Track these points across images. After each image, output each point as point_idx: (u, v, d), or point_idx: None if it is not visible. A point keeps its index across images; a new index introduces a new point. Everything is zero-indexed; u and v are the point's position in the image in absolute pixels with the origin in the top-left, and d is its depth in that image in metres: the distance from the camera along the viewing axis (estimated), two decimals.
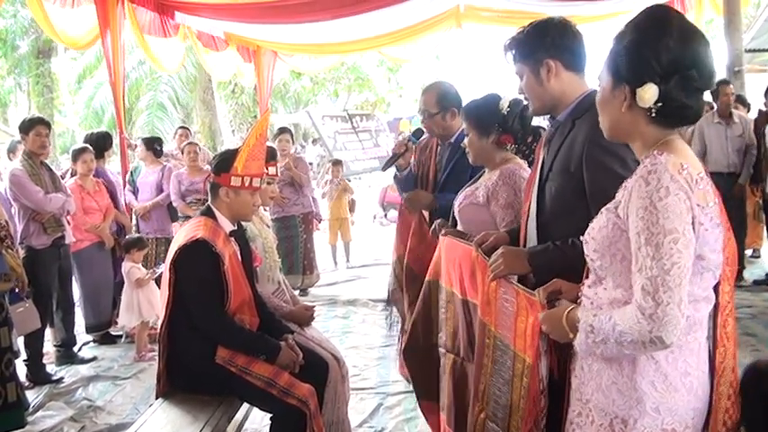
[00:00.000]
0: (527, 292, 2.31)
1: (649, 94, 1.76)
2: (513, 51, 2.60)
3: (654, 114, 1.79)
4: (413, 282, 3.90)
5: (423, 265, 3.71)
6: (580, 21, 9.68)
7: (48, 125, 5.73)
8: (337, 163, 10.92)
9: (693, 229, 1.70)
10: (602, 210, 1.89)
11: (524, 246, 2.67)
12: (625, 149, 2.19)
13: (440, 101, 4.09)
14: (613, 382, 1.84)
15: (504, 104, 3.21)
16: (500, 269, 2.49)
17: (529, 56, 2.55)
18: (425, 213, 4.09)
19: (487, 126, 3.24)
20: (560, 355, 2.16)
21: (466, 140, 3.37)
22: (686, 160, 1.75)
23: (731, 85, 7.42)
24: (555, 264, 2.30)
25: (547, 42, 2.51)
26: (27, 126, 5.56)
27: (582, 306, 1.94)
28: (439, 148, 4.27)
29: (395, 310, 4.44)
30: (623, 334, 1.70)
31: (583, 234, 1.96)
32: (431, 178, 4.24)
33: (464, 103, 3.61)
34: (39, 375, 5.43)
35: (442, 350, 3.16)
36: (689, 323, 1.75)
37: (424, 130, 4.29)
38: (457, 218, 3.36)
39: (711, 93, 7.38)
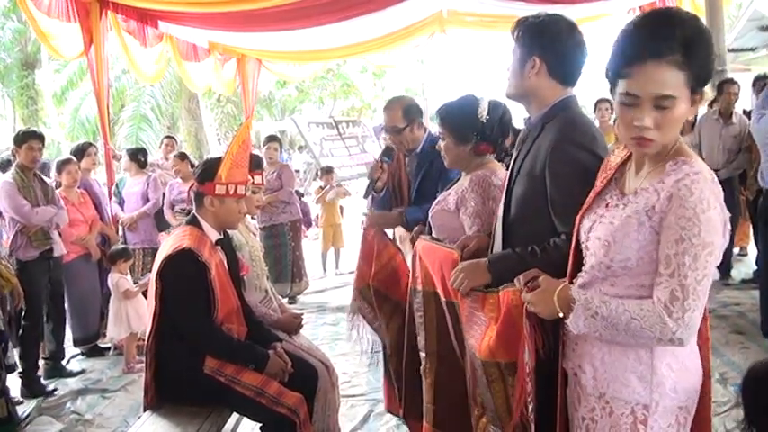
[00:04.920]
0: (490, 292, 2.36)
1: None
2: (517, 32, 2.56)
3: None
4: (384, 302, 3.82)
5: (391, 284, 3.75)
6: None
7: (41, 139, 5.68)
8: (329, 170, 10.91)
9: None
10: (629, 212, 1.87)
11: (492, 248, 2.68)
12: (588, 158, 2.21)
13: (405, 114, 4.09)
14: (632, 371, 1.90)
15: (483, 111, 3.09)
16: (463, 285, 2.49)
17: (524, 44, 2.52)
18: (390, 231, 4.07)
19: (465, 134, 3.14)
20: (546, 337, 2.14)
21: (441, 144, 3.28)
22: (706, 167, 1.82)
23: (736, 85, 7.43)
24: (515, 270, 2.26)
25: (544, 42, 2.48)
26: (20, 139, 5.55)
27: (576, 288, 1.96)
28: (406, 159, 4.27)
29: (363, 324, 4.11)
30: (643, 329, 1.77)
31: (547, 238, 1.98)
32: (404, 190, 4.23)
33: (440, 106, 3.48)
34: (34, 388, 5.39)
35: (422, 354, 3.15)
36: None
37: (393, 146, 4.27)
38: (430, 223, 3.31)
39: (716, 90, 7.43)
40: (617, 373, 1.92)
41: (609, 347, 1.93)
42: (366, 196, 4.45)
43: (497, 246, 2.62)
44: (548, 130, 2.45)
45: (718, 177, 1.84)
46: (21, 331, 5.28)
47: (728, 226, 1.83)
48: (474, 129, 3.12)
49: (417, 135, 4.12)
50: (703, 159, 6.79)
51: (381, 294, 3.84)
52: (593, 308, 1.85)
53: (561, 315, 1.95)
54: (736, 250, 8.24)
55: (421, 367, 3.16)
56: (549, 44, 2.48)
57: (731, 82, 7.48)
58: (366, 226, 3.99)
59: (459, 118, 3.17)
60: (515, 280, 2.21)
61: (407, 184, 4.22)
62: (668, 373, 1.87)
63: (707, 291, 1.76)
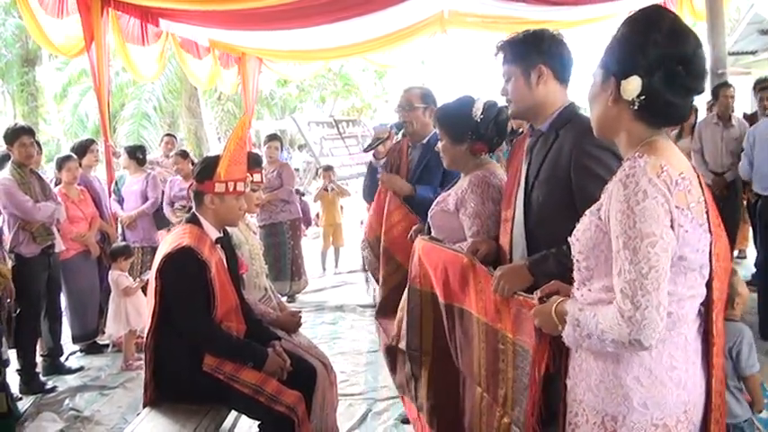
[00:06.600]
0: (526, 297, 2.35)
1: (632, 85, 1.77)
2: (507, 52, 2.62)
3: (637, 108, 1.80)
4: (389, 261, 4.08)
5: (399, 245, 3.92)
6: (562, 26, 9.82)
7: (31, 133, 5.67)
8: (329, 169, 10.91)
9: (673, 231, 1.71)
10: (586, 212, 1.91)
11: (510, 252, 2.70)
12: (611, 156, 2.22)
13: (422, 98, 4.24)
14: (601, 380, 1.87)
15: (478, 111, 3.13)
16: (505, 290, 2.49)
17: (523, 58, 2.58)
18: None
19: (461, 134, 3.17)
20: (555, 351, 2.17)
21: (440, 145, 3.32)
22: (668, 161, 1.75)
23: (732, 88, 7.47)
24: (554, 270, 2.33)
25: (543, 48, 2.55)
26: (11, 137, 5.52)
27: (571, 300, 1.96)
28: (410, 149, 4.35)
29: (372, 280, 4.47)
30: (605, 333, 1.74)
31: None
32: (402, 177, 4.30)
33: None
34: (32, 385, 5.40)
35: (415, 353, 3.16)
36: (672, 319, 1.77)
37: (403, 123, 4.36)
38: (430, 223, 3.34)
39: (712, 94, 7.46)
40: (590, 381, 1.91)
41: (586, 356, 1.93)
42: (366, 150, 4.70)
43: (519, 250, 2.65)
44: (564, 135, 2.49)
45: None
46: (17, 326, 5.26)
47: (695, 219, 1.75)
48: (469, 128, 3.15)
49: (428, 121, 4.20)
50: (706, 163, 6.82)
51: (388, 252, 4.07)
52: (576, 316, 1.84)
53: (561, 329, 1.93)
54: (735, 253, 8.24)
55: (412, 366, 3.19)
56: (550, 49, 2.56)
57: (726, 85, 7.53)
58: (380, 185, 4.28)
59: (454, 118, 3.20)
60: (534, 294, 2.23)
61: (406, 174, 4.28)
62: (635, 387, 1.81)
63: (659, 285, 1.68)
